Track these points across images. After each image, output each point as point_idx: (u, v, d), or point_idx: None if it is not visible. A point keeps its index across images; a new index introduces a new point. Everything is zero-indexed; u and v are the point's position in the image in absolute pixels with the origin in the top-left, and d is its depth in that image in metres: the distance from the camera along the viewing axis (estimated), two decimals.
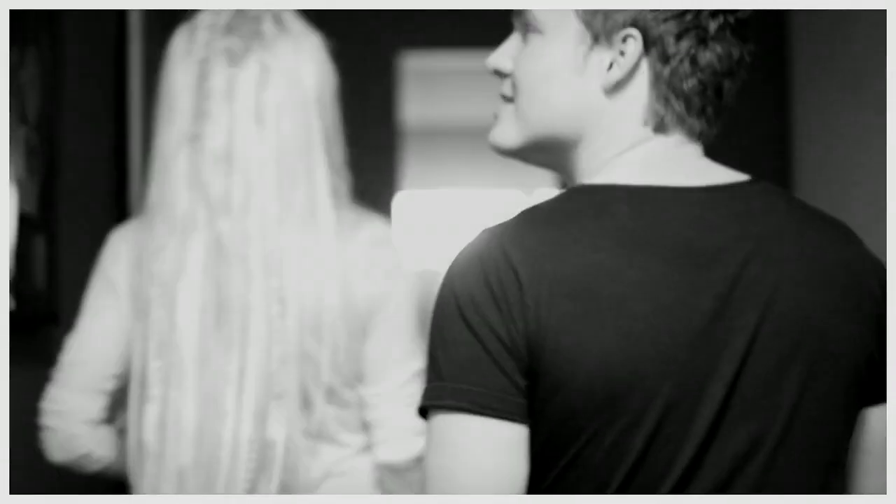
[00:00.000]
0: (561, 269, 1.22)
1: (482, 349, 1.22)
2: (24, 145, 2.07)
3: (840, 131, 3.07)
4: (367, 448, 1.93)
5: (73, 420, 1.94)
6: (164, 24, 3.50)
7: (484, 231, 1.27)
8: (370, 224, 1.95)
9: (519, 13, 1.36)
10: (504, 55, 1.37)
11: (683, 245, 1.25)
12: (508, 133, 1.36)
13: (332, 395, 1.88)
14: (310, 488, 1.89)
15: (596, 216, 1.26)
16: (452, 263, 1.27)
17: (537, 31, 1.33)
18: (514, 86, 1.35)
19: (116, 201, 2.90)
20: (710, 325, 1.23)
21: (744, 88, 1.35)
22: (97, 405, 1.94)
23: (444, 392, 1.24)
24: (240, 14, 1.93)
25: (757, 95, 3.60)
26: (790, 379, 1.25)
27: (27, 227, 2.09)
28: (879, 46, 2.63)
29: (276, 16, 1.94)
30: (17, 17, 2.03)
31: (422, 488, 1.28)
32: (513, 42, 1.37)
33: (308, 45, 1.93)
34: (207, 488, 1.85)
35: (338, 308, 1.87)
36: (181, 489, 1.86)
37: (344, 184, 1.95)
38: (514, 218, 1.28)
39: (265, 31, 1.91)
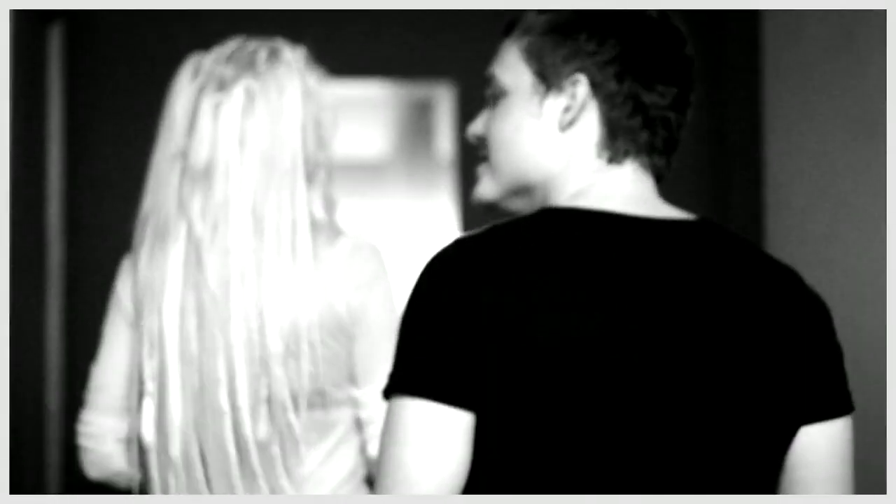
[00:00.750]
0: (515, 277, 1.37)
1: (436, 345, 1.37)
2: None
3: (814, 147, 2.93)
4: (342, 445, 2.13)
5: (105, 440, 2.13)
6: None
7: (457, 241, 1.43)
8: (347, 236, 2.13)
9: (488, 84, 1.58)
10: (479, 122, 1.61)
11: (626, 270, 1.41)
12: (487, 186, 1.59)
13: (323, 397, 2.08)
14: (296, 487, 2.08)
15: (553, 236, 1.42)
16: (427, 265, 1.43)
17: (503, 93, 1.56)
18: (488, 145, 1.57)
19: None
20: (645, 347, 1.39)
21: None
22: (125, 424, 2.13)
23: (396, 378, 1.41)
24: (242, 47, 2.16)
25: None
26: (707, 406, 1.41)
27: None
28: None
29: (273, 48, 2.16)
30: None
31: None
32: (485, 112, 1.60)
33: (295, 76, 2.13)
34: (211, 480, 2.05)
35: (315, 318, 2.05)
36: (182, 481, 2.05)
37: (327, 205, 2.14)
38: (486, 232, 1.44)
39: (257, 61, 2.13)
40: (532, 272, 1.39)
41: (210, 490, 2.09)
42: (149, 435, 2.08)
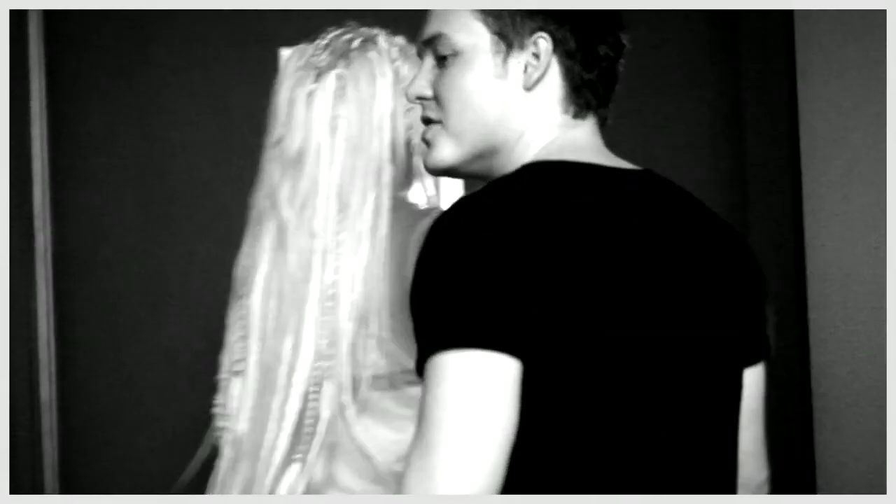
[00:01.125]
0: (537, 233, 1.36)
1: (472, 294, 1.32)
2: None
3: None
4: None
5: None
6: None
7: (463, 198, 1.39)
8: (430, 216, 2.07)
9: (430, 43, 1.55)
10: (422, 82, 1.57)
11: (629, 217, 1.44)
12: (447, 150, 1.55)
13: (408, 375, 2.06)
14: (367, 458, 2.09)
15: (556, 186, 1.43)
16: (437, 224, 1.38)
17: (455, 53, 1.53)
18: (441, 107, 1.54)
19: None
20: (658, 291, 1.43)
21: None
22: None
23: (432, 337, 1.33)
24: (338, 36, 2.21)
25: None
26: (705, 346, 1.47)
27: None
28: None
29: (368, 36, 2.20)
30: None
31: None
32: (426, 69, 1.57)
33: (386, 63, 2.16)
34: (255, 454, 2.10)
35: (388, 301, 2.06)
36: (237, 453, 2.13)
37: (426, 188, 2.21)
38: (488, 188, 1.41)
39: (352, 48, 2.17)
40: (550, 219, 1.38)
41: (254, 470, 2.12)
42: (229, 411, 2.16)
